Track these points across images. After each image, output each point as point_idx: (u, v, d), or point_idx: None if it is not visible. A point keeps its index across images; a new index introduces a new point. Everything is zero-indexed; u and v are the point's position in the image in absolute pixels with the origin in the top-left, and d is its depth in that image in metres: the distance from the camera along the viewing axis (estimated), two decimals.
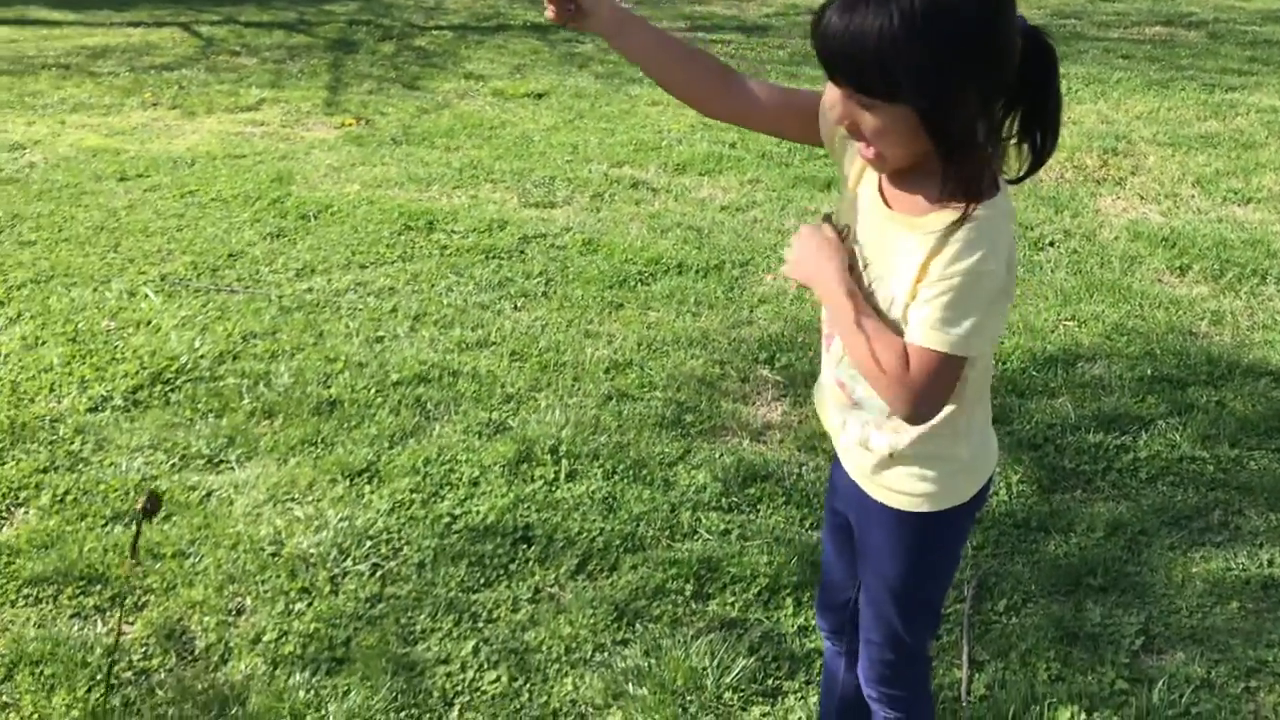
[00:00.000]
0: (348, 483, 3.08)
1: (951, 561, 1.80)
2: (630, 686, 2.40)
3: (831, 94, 1.48)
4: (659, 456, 3.20)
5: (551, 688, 2.42)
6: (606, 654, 2.50)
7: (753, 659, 2.47)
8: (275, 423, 3.37)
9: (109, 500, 3.00)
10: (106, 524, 2.91)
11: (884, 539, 1.70)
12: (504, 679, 2.44)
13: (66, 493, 3.03)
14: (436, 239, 4.76)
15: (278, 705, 2.35)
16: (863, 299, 1.54)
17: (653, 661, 2.46)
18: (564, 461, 3.16)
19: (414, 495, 3.02)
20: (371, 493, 3.04)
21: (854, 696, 1.99)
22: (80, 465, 3.16)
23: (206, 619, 2.59)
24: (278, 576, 2.72)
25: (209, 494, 3.04)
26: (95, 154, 5.90)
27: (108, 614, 2.62)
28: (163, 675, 2.45)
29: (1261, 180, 5.49)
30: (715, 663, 2.45)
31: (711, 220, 5.00)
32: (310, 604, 2.64)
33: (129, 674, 2.45)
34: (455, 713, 2.36)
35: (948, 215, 1.44)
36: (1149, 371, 3.66)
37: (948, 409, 1.56)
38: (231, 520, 2.93)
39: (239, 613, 2.63)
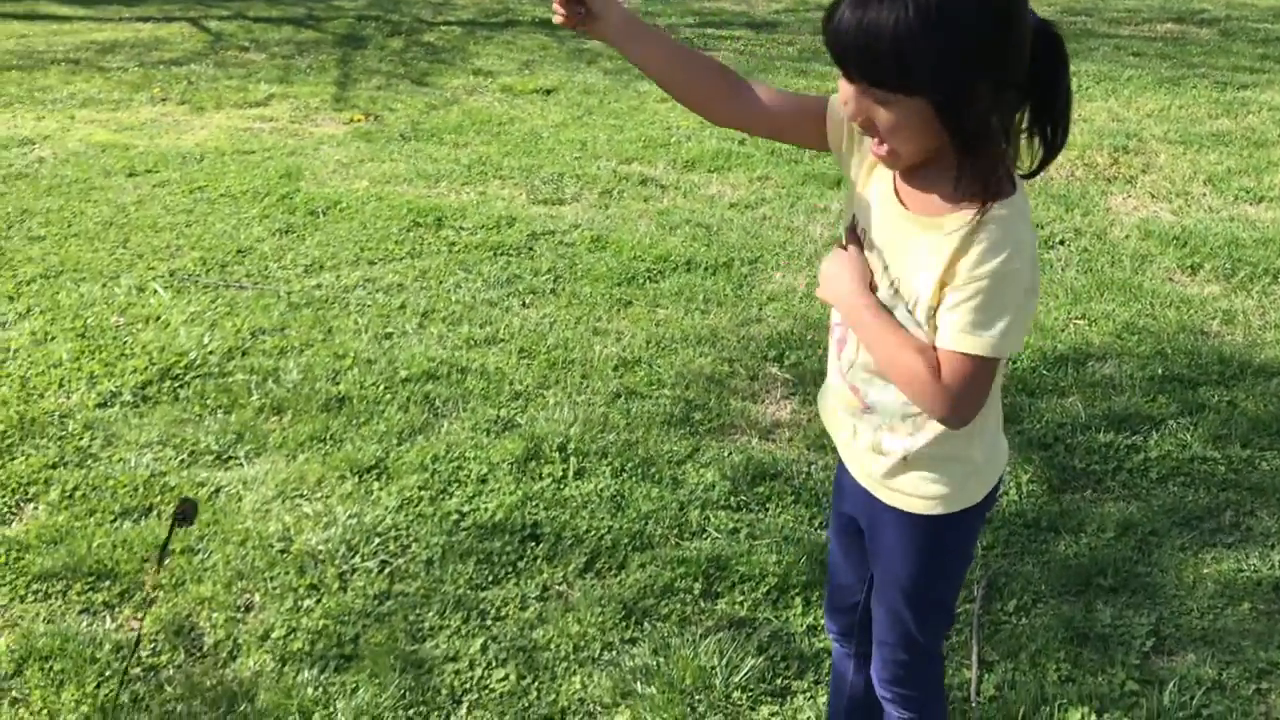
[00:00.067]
0: (356, 479, 3.08)
1: (963, 562, 1.79)
2: (639, 685, 2.40)
3: (845, 91, 1.47)
4: (667, 454, 3.19)
5: (560, 686, 2.41)
6: (615, 652, 2.50)
7: (761, 658, 2.46)
8: (284, 419, 3.37)
9: (118, 496, 3.00)
10: (115, 520, 2.92)
11: (896, 541, 1.70)
12: (512, 677, 2.43)
13: (75, 488, 3.03)
14: (445, 235, 4.76)
15: (286, 702, 2.35)
16: (886, 313, 1.54)
17: (661, 660, 2.46)
18: (572, 459, 3.15)
19: (422, 492, 3.02)
20: (380, 490, 3.04)
21: (863, 697, 1.99)
22: (89, 461, 3.16)
23: (215, 615, 2.59)
24: (286, 573, 2.72)
25: (218, 490, 3.04)
26: (104, 149, 5.90)
27: (117, 610, 2.62)
28: (171, 671, 2.45)
29: (1273, 179, 5.46)
30: (724, 662, 2.44)
31: (720, 217, 4.99)
32: (319, 601, 2.64)
33: (138, 670, 2.45)
34: (463, 710, 2.36)
35: (966, 215, 1.44)
36: (1160, 371, 3.65)
37: None
38: (240, 517, 2.93)
39: (248, 609, 2.63)
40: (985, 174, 1.43)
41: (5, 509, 2.97)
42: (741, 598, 2.66)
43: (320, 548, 2.80)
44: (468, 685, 2.42)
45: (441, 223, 4.87)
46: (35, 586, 2.68)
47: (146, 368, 3.62)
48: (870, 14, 1.34)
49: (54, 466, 3.13)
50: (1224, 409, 3.43)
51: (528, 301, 4.17)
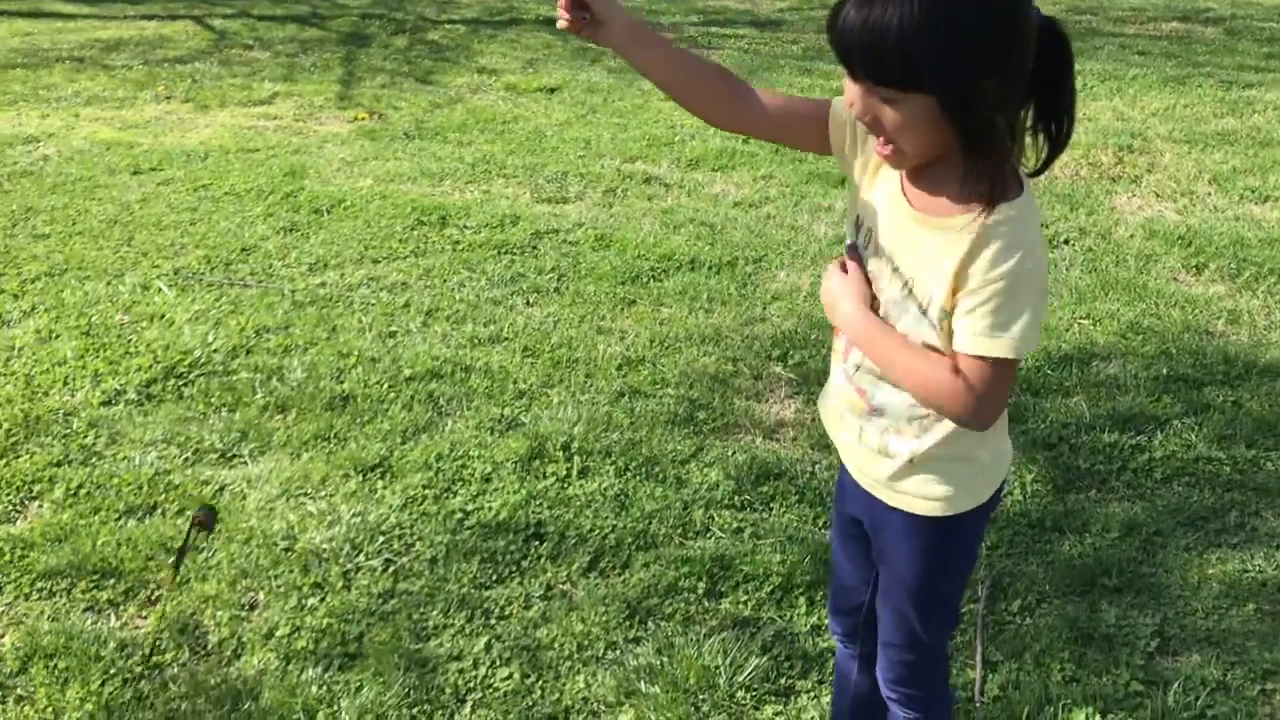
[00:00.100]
0: (360, 478, 3.08)
1: (969, 561, 1.79)
2: (642, 685, 2.40)
3: (851, 91, 1.47)
4: (671, 454, 3.19)
5: (564, 685, 2.41)
6: (619, 652, 2.50)
7: (765, 658, 2.46)
8: (288, 417, 3.38)
9: (122, 494, 3.01)
10: (120, 518, 2.92)
11: (901, 543, 1.70)
12: (516, 676, 2.43)
13: (80, 486, 3.04)
14: (449, 234, 4.76)
15: (290, 700, 2.36)
16: (893, 331, 1.55)
17: (665, 660, 2.46)
18: (576, 458, 3.15)
19: (426, 491, 3.02)
20: (384, 488, 3.04)
21: (867, 698, 1.99)
22: (93, 459, 3.17)
23: (219, 614, 2.60)
24: (290, 571, 2.72)
25: (222, 488, 3.05)
26: (109, 147, 5.91)
27: (121, 608, 2.62)
28: (176, 670, 2.45)
29: (1279, 178, 5.45)
30: (728, 661, 2.44)
31: (724, 216, 4.99)
32: (323, 599, 2.64)
33: (142, 668, 2.45)
34: (467, 709, 2.36)
35: (975, 216, 1.44)
36: (1164, 371, 3.64)
37: None
38: (244, 515, 2.93)
39: (252, 608, 2.63)
40: (991, 172, 1.44)
41: (10, 507, 2.97)
42: (745, 597, 2.66)
43: (324, 546, 2.80)
44: (472, 684, 2.42)
45: (445, 221, 4.87)
46: (40, 584, 2.68)
47: (151, 366, 3.63)
48: (875, 12, 1.35)
49: (58, 464, 3.14)
50: (1229, 409, 3.42)
51: (531, 300, 4.17)
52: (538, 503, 2.97)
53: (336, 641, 2.52)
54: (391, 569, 2.74)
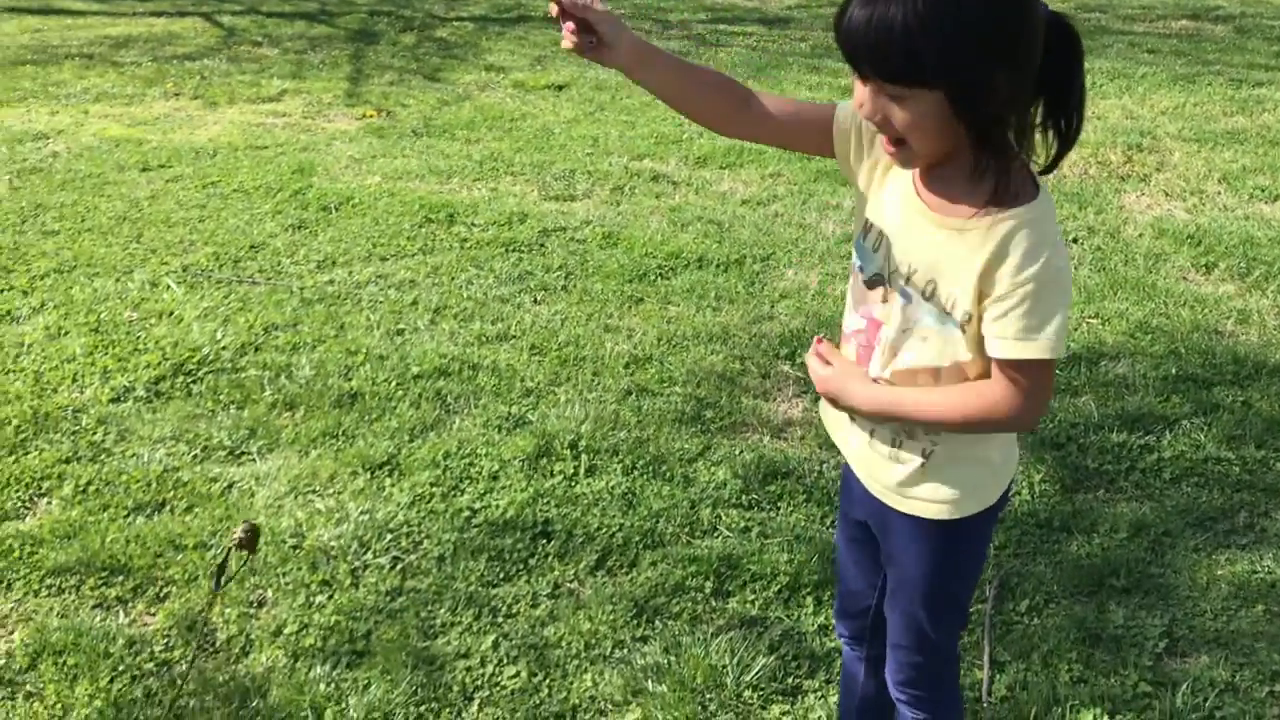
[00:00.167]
0: (368, 475, 3.08)
1: (978, 562, 1.79)
2: (650, 684, 2.40)
3: (860, 93, 1.47)
4: (679, 452, 3.19)
5: (571, 684, 2.42)
6: (626, 650, 2.50)
7: (773, 657, 2.46)
8: (296, 415, 3.38)
9: (131, 491, 3.01)
10: (129, 515, 2.93)
11: (911, 546, 1.69)
12: (523, 674, 2.44)
13: (89, 483, 3.04)
14: (457, 232, 4.76)
15: (298, 698, 2.36)
16: (908, 388, 1.56)
17: (672, 659, 2.46)
18: (583, 457, 3.15)
19: (434, 489, 3.02)
20: (392, 486, 3.04)
21: (874, 700, 1.99)
22: (102, 456, 3.17)
23: (228, 611, 2.60)
24: (299, 569, 2.73)
25: (230, 485, 3.05)
26: (118, 144, 5.92)
27: (130, 605, 2.63)
28: (184, 667, 2.45)
29: None
30: (735, 661, 2.44)
31: (732, 214, 4.99)
32: (331, 597, 2.65)
33: (150, 665, 2.45)
34: (475, 707, 2.36)
35: (996, 220, 1.44)
36: (1173, 370, 3.63)
37: None
38: (253, 512, 2.93)
39: (260, 605, 2.64)
40: (1001, 171, 1.44)
41: (19, 504, 2.98)
42: (753, 596, 2.66)
43: (332, 544, 2.81)
44: (479, 682, 2.42)
45: (453, 219, 4.88)
46: (49, 581, 2.69)
47: (159, 363, 3.64)
48: (879, 9, 1.35)
49: (67, 461, 3.15)
50: (1238, 409, 3.41)
51: (539, 298, 4.17)
52: (545, 501, 2.97)
53: (344, 639, 2.52)
54: (399, 567, 2.75)
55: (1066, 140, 1.48)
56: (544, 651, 2.50)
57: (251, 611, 2.61)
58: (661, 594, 2.65)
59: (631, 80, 1.64)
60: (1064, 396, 3.50)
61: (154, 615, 2.60)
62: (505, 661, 2.47)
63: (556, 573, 2.73)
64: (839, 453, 3.20)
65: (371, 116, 6.51)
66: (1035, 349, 1.45)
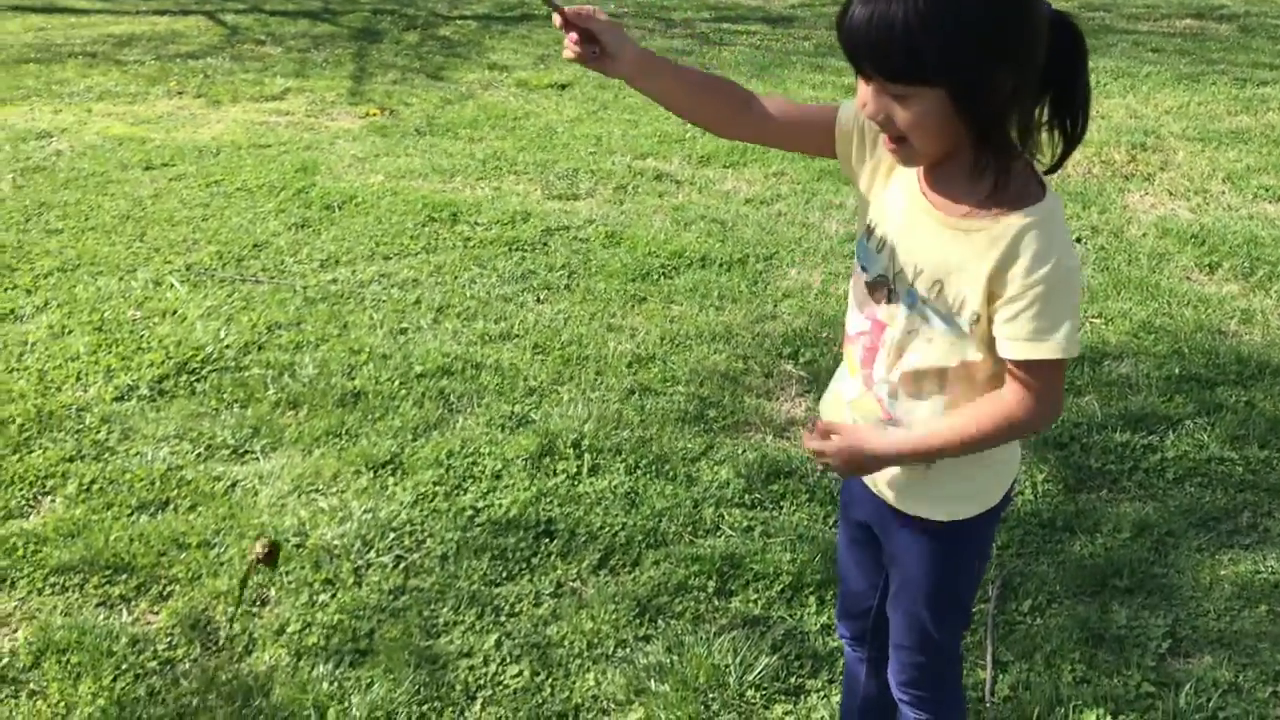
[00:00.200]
0: (371, 474, 3.09)
1: (980, 562, 1.79)
2: (652, 683, 2.40)
3: (863, 92, 1.47)
4: (681, 452, 3.19)
5: (573, 683, 2.42)
6: (628, 650, 2.50)
7: (775, 657, 2.46)
8: (300, 414, 3.38)
9: (135, 490, 3.02)
10: (132, 513, 2.93)
11: (915, 547, 1.69)
12: (526, 673, 2.44)
13: (93, 482, 3.05)
14: (460, 231, 4.76)
15: (301, 697, 2.36)
16: (923, 432, 1.56)
17: (675, 658, 2.46)
18: (586, 456, 3.15)
19: (437, 488, 3.03)
20: (395, 485, 3.05)
21: (876, 700, 1.99)
22: (106, 454, 3.18)
23: (231, 609, 2.60)
24: (302, 567, 2.73)
25: (234, 484, 3.06)
26: (121, 142, 5.93)
27: (133, 603, 2.63)
28: (187, 665, 2.46)
29: None
30: (738, 660, 2.44)
31: (735, 213, 4.98)
32: (334, 595, 2.65)
33: (154, 663, 2.46)
34: (477, 706, 2.37)
35: (1006, 222, 1.44)
36: (1177, 370, 3.63)
37: None
38: (256, 511, 2.94)
39: (263, 603, 2.64)
40: (1000, 169, 1.44)
41: (23, 502, 2.98)
42: (755, 596, 2.66)
43: (335, 543, 2.81)
44: (482, 681, 2.42)
45: (456, 218, 4.88)
46: (53, 579, 2.69)
47: (163, 361, 3.64)
48: (880, 7, 1.35)
49: (71, 460, 3.15)
50: (1242, 409, 3.41)
51: (542, 297, 4.17)
52: (548, 500, 2.97)
53: (347, 638, 2.52)
54: (402, 565, 2.75)
55: (1072, 140, 1.49)
56: (547, 651, 2.50)
57: (254, 610, 2.61)
58: (664, 593, 2.66)
59: (634, 89, 1.65)
60: (1067, 396, 3.49)
61: (157, 614, 2.61)
62: (508, 660, 2.47)
63: (559, 572, 2.73)
64: None
65: (375, 115, 6.51)
66: (1049, 349, 1.46)
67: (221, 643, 2.52)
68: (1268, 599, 2.66)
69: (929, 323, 1.54)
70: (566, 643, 2.52)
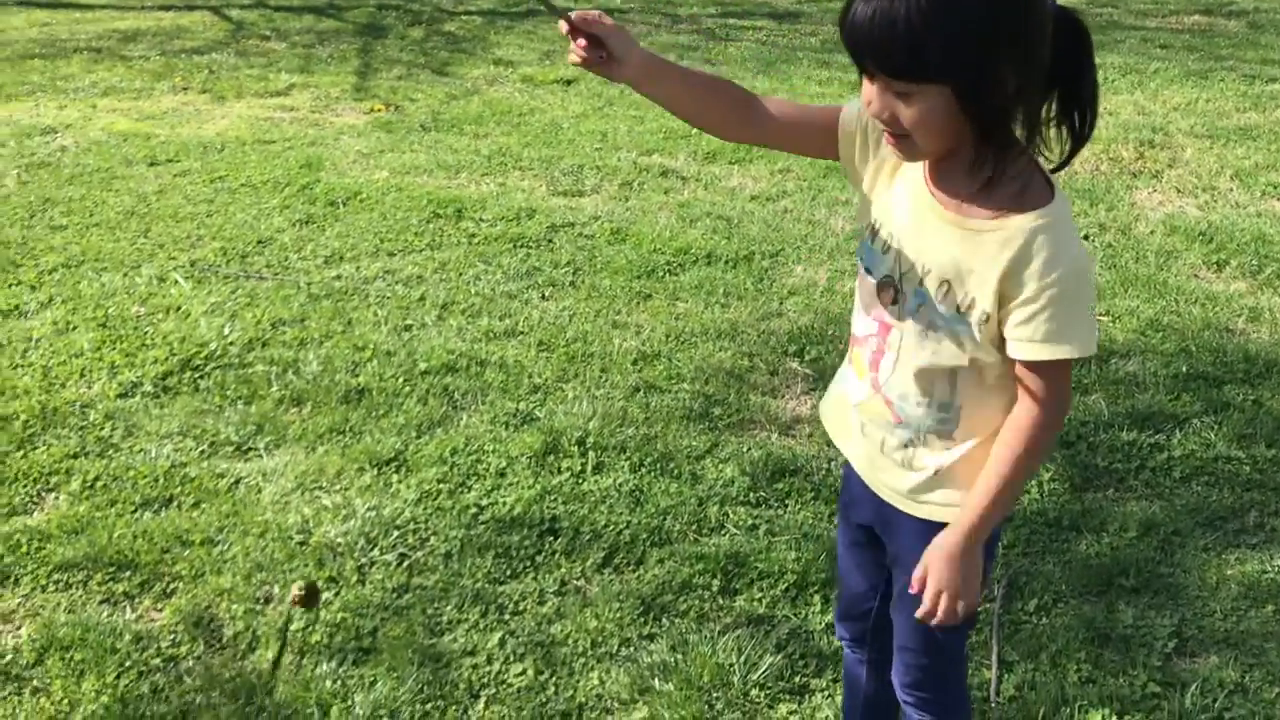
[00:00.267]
0: (375, 472, 3.08)
1: (987, 562, 1.77)
2: (656, 682, 2.39)
3: (867, 91, 1.46)
4: (686, 449, 3.18)
5: (577, 681, 2.41)
6: (633, 648, 2.49)
7: (780, 656, 2.45)
8: (304, 411, 3.38)
9: (139, 487, 3.02)
10: (136, 510, 2.93)
11: (919, 548, 1.67)
12: (530, 672, 2.43)
13: (96, 478, 3.05)
14: (465, 227, 4.75)
15: (305, 695, 2.36)
16: (979, 494, 1.55)
17: (679, 657, 2.45)
18: (591, 453, 3.14)
19: (441, 485, 3.02)
20: (399, 482, 3.04)
21: (878, 702, 1.98)
22: (110, 451, 3.18)
23: (234, 607, 2.60)
24: (305, 565, 2.72)
25: (237, 481, 3.05)
26: (126, 138, 5.92)
27: (137, 600, 2.63)
28: (190, 663, 2.46)
29: None
30: (742, 659, 2.43)
31: (741, 210, 4.97)
32: (337, 593, 2.64)
33: (157, 661, 2.45)
34: (481, 705, 2.36)
35: (1016, 224, 1.44)
36: (1184, 369, 3.61)
37: (1004, 415, 1.56)
38: (260, 508, 2.93)
39: (266, 601, 2.64)
40: (999, 163, 1.44)
41: (27, 498, 2.98)
42: (760, 595, 2.65)
43: (339, 540, 2.81)
44: (485, 680, 2.42)
45: (461, 214, 4.87)
46: (56, 576, 2.69)
47: (167, 358, 3.64)
48: (882, 5, 1.35)
49: (75, 456, 3.15)
50: (1249, 408, 3.39)
51: (547, 294, 4.16)
52: (552, 498, 2.97)
53: (350, 636, 2.52)
54: (406, 564, 2.74)
55: (1080, 137, 1.48)
56: (551, 649, 2.49)
57: (258, 608, 2.61)
58: (668, 592, 2.65)
59: (639, 93, 1.64)
60: (1073, 394, 3.48)
61: (161, 611, 2.60)
62: (512, 659, 2.47)
63: (563, 570, 2.73)
64: None
65: (379, 111, 6.50)
66: (1061, 350, 1.46)
67: (225, 640, 2.52)
68: (1274, 599, 2.65)
69: (937, 323, 1.53)
70: (570, 641, 2.51)
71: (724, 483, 3.04)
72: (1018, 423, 1.53)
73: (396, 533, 2.84)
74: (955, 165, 1.48)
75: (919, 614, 1.61)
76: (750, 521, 2.89)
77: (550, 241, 4.61)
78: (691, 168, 5.52)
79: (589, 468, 3.09)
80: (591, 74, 1.63)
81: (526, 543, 2.81)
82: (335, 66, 7.48)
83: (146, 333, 3.82)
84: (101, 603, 2.62)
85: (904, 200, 1.56)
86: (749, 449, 3.18)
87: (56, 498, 2.99)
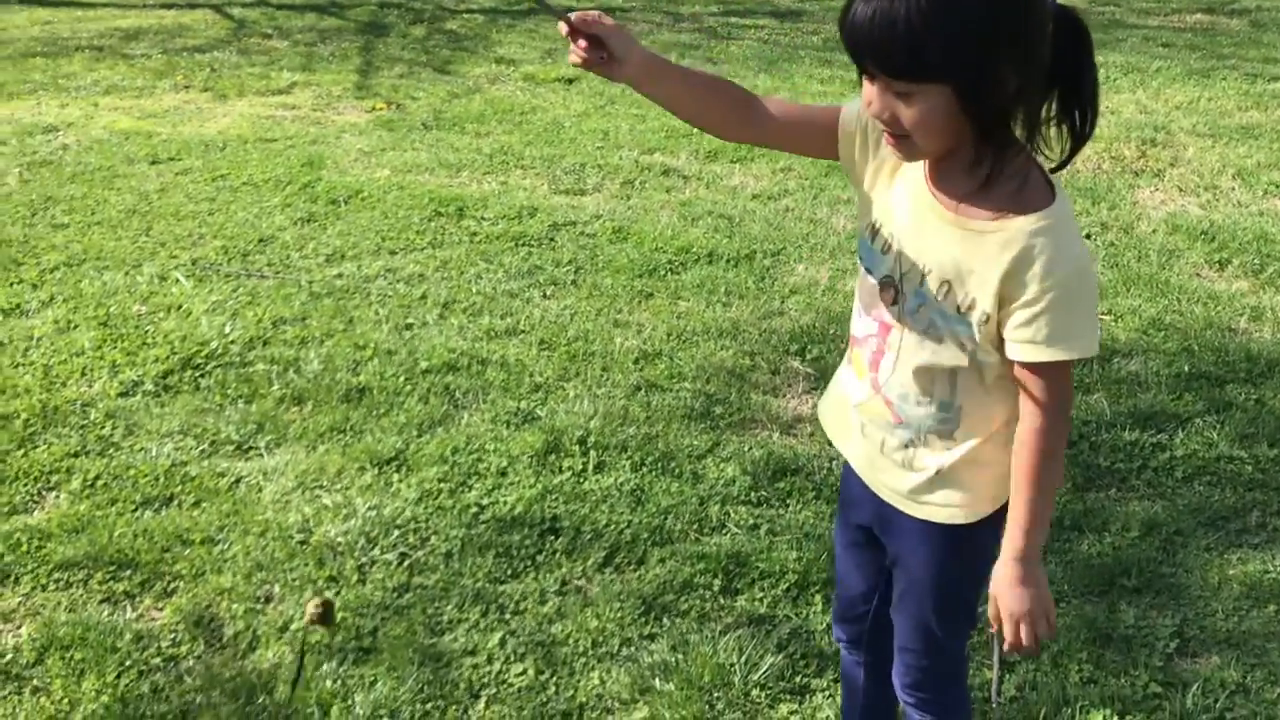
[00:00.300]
0: (376, 471, 3.08)
1: (988, 563, 1.76)
2: (657, 682, 2.39)
3: (868, 91, 1.46)
4: (688, 449, 3.18)
5: (578, 681, 2.41)
6: (633, 648, 2.49)
7: (781, 656, 2.45)
8: (304, 409, 3.38)
9: (139, 486, 3.01)
10: (137, 509, 2.93)
11: (920, 549, 1.68)
12: (530, 671, 2.43)
13: (97, 477, 3.04)
14: (466, 225, 4.75)
15: (305, 694, 2.36)
16: (1018, 520, 1.54)
17: (680, 657, 2.45)
18: (592, 453, 3.14)
19: (442, 485, 3.02)
20: (400, 481, 3.04)
21: (878, 702, 1.98)
22: (111, 450, 3.17)
23: (235, 606, 2.60)
24: (306, 565, 2.72)
25: (238, 480, 3.05)
26: (127, 136, 5.92)
27: (137, 599, 2.63)
28: (191, 662, 2.45)
29: None
30: (743, 659, 2.43)
31: (743, 209, 4.97)
32: (338, 593, 2.64)
33: (158, 660, 2.45)
34: (481, 705, 2.36)
35: (1017, 225, 1.43)
36: (1186, 368, 3.61)
37: (1004, 414, 1.56)
38: (260, 507, 2.93)
39: (267, 600, 2.63)
40: (998, 164, 1.43)
41: (28, 497, 2.98)
42: (761, 594, 2.64)
43: (339, 539, 2.80)
44: (486, 679, 2.42)
45: (463, 213, 4.87)
46: (57, 575, 2.69)
47: (168, 357, 3.63)
48: (882, 5, 1.35)
49: (76, 455, 3.15)
50: (1251, 407, 3.39)
51: (548, 293, 4.16)
52: (553, 497, 2.96)
53: (351, 636, 2.52)
54: (406, 563, 2.74)
55: (1080, 136, 1.47)
56: (551, 649, 2.49)
57: (258, 607, 2.61)
58: (669, 591, 2.64)
59: (639, 93, 1.63)
60: (1076, 394, 3.48)
61: (161, 610, 2.60)
62: (512, 659, 2.46)
63: (564, 569, 2.73)
64: None
65: (381, 109, 6.50)
66: (1062, 351, 1.46)
67: (225, 640, 2.52)
68: (1276, 599, 2.65)
69: (937, 323, 1.53)
70: (571, 641, 2.51)
71: (725, 482, 3.03)
72: (1026, 436, 1.53)
73: (397, 532, 2.84)
74: (955, 165, 1.48)
75: (1007, 645, 1.59)
76: (751, 521, 2.89)
77: (552, 240, 4.61)
78: (693, 166, 5.52)
79: (590, 467, 3.09)
80: (591, 76, 1.63)
81: (527, 542, 2.80)
82: (337, 65, 7.48)
83: (147, 331, 3.82)
84: (102, 602, 2.62)
85: (904, 200, 1.55)
86: (750, 448, 3.18)
87: (57, 496, 2.99)
